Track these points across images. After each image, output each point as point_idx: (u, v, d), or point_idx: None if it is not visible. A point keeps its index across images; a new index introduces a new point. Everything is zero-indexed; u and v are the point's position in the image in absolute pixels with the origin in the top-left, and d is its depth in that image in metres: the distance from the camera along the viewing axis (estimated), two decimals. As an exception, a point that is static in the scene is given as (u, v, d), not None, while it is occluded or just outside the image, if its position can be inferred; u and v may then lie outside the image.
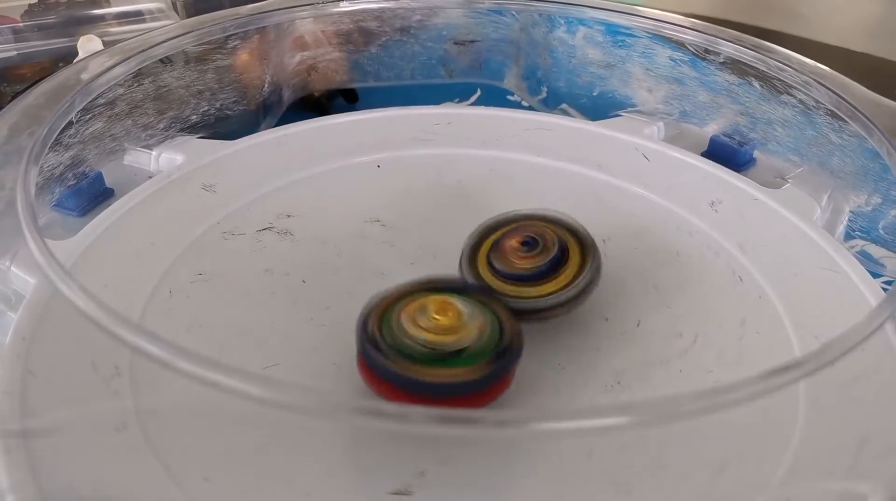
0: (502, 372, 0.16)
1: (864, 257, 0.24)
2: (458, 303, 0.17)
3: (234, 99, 0.28)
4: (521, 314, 0.18)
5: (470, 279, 0.19)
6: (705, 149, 0.28)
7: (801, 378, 0.14)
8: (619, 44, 0.30)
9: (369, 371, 0.16)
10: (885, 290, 0.21)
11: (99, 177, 0.24)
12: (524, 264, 0.19)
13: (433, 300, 0.17)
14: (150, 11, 0.31)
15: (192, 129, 0.26)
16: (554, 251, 0.19)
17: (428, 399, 0.16)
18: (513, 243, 0.19)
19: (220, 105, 0.28)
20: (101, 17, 0.31)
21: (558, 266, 0.19)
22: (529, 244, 0.19)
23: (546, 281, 0.19)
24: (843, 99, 0.23)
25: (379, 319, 0.17)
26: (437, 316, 0.16)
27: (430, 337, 0.16)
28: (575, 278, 0.19)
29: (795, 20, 0.44)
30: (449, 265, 0.20)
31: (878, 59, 0.40)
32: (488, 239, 0.20)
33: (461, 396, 0.16)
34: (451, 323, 0.16)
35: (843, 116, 0.23)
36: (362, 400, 0.12)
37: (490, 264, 0.19)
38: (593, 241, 0.20)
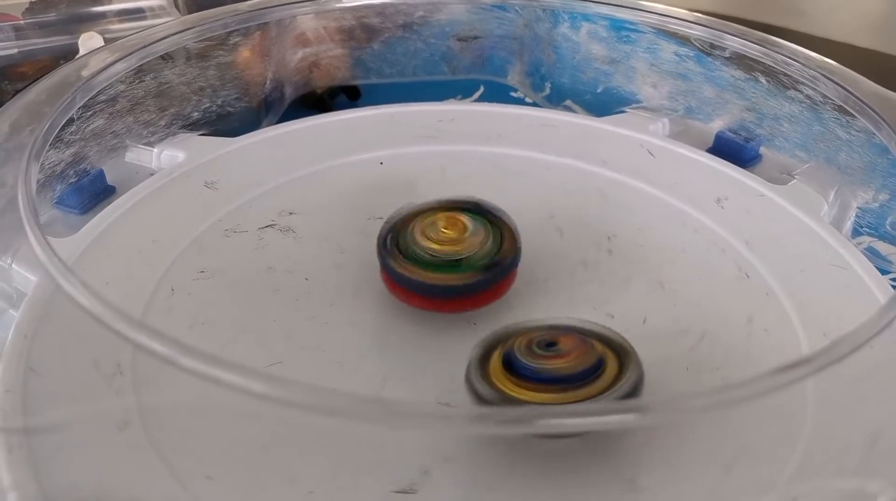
0: (490, 282, 0.19)
1: (871, 254, 0.23)
2: (465, 219, 0.20)
3: (235, 96, 0.28)
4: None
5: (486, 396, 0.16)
6: (711, 145, 0.27)
7: (810, 375, 0.13)
8: (624, 39, 0.29)
9: (386, 274, 0.19)
10: (894, 287, 0.21)
11: (100, 174, 0.24)
12: (551, 365, 0.16)
13: (444, 216, 0.20)
14: (151, 8, 0.31)
15: (193, 126, 0.26)
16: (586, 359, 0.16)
17: (428, 298, 0.19)
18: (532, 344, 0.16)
19: (222, 102, 0.27)
20: (102, 15, 0.31)
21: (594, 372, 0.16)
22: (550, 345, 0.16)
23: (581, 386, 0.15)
24: (851, 93, 0.23)
25: (398, 230, 0.20)
26: (444, 230, 0.19)
27: (436, 247, 0.19)
28: (612, 383, 0.16)
29: (799, 17, 0.43)
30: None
31: (882, 55, 0.40)
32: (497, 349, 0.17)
33: (453, 298, 0.19)
34: (456, 236, 0.19)
35: (852, 111, 0.23)
36: (365, 398, 0.12)
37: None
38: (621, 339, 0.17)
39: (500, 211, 0.20)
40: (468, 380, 0.16)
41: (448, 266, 0.19)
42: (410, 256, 0.19)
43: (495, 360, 0.16)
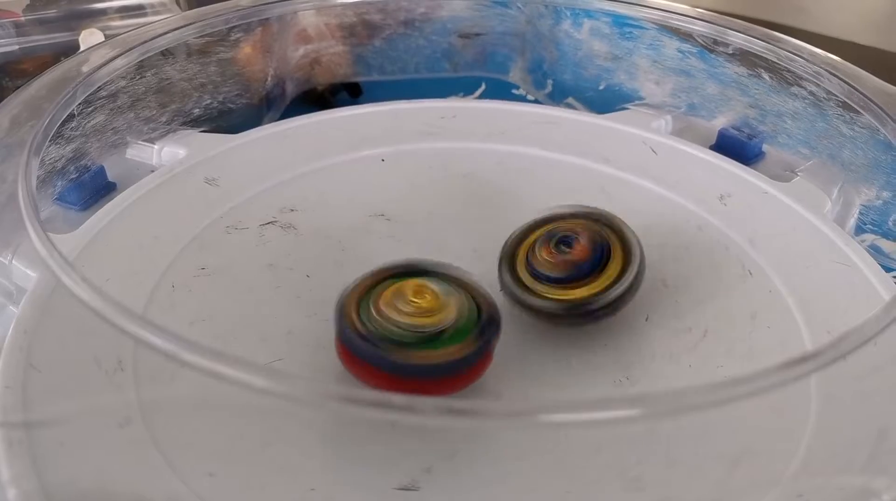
0: (486, 347, 0.17)
1: (875, 252, 0.23)
2: (432, 285, 0.17)
3: (236, 92, 0.28)
4: (565, 317, 0.18)
5: (509, 285, 0.19)
6: (714, 142, 0.27)
7: (814, 371, 0.13)
8: (626, 36, 0.29)
9: (354, 359, 0.16)
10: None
11: (101, 171, 0.24)
12: (561, 266, 0.18)
13: (408, 285, 0.17)
14: (152, 4, 0.31)
15: (194, 122, 0.26)
16: (592, 254, 0.18)
17: (417, 382, 0.16)
18: (550, 244, 0.19)
19: (223, 98, 0.27)
20: (103, 11, 0.31)
21: (597, 268, 0.18)
22: (567, 243, 0.18)
23: (583, 283, 0.18)
24: (855, 89, 0.22)
25: (356, 307, 0.17)
26: (414, 299, 0.16)
27: (413, 320, 0.16)
28: (615, 281, 0.18)
29: (801, 14, 0.43)
30: (454, 259, 0.20)
31: (885, 53, 0.40)
32: (526, 241, 0.19)
33: (450, 375, 0.16)
34: (430, 305, 0.16)
35: (856, 107, 0.23)
36: (367, 392, 0.12)
37: (529, 264, 0.19)
38: (637, 240, 0.19)
39: (451, 267, 0.18)
40: (499, 273, 0.19)
41: (433, 340, 0.16)
42: (385, 334, 0.16)
43: (521, 256, 0.19)
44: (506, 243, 0.20)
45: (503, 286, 0.19)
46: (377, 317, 0.16)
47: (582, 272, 0.18)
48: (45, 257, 0.14)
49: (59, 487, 0.14)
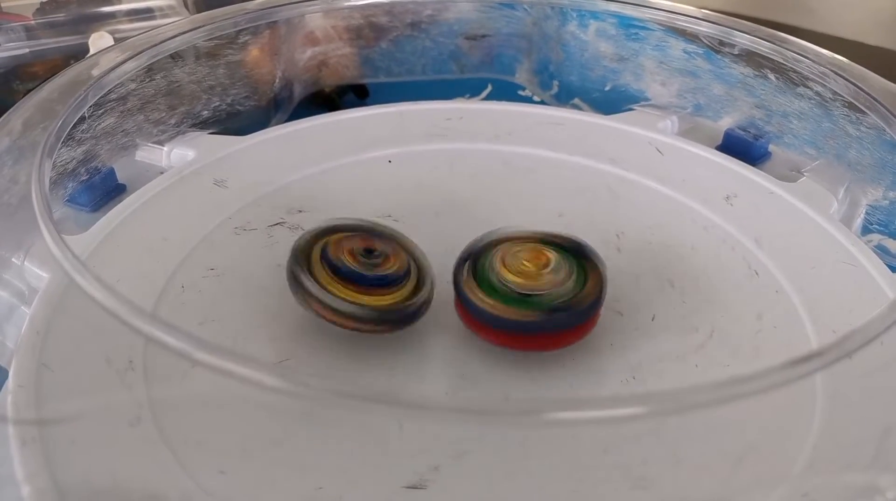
0: (552, 326, 0.18)
1: (881, 252, 0.23)
2: (549, 255, 0.18)
3: (245, 95, 0.28)
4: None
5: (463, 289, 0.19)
6: (720, 143, 0.27)
7: (820, 369, 0.13)
8: (632, 37, 0.29)
9: (458, 298, 0.18)
10: (903, 284, 0.21)
11: (111, 172, 0.24)
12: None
13: (529, 248, 0.18)
14: (161, 8, 0.31)
15: (203, 124, 0.26)
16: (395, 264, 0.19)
17: (489, 328, 0.18)
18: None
19: (231, 101, 0.28)
20: (112, 15, 0.31)
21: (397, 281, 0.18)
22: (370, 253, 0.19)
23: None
24: (861, 90, 0.23)
25: (479, 256, 0.19)
26: (526, 263, 0.18)
27: (510, 278, 0.18)
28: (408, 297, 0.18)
29: (808, 14, 0.43)
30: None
31: (892, 53, 0.40)
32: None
33: (514, 333, 0.18)
34: (534, 271, 0.18)
35: (862, 107, 0.23)
36: (375, 389, 0.12)
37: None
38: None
39: (597, 256, 0.19)
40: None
41: (517, 300, 0.18)
42: (483, 283, 0.18)
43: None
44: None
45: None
46: (488, 267, 0.18)
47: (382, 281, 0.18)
48: (59, 257, 0.14)
49: (72, 484, 0.14)
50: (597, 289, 0.18)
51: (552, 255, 0.18)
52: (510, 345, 0.18)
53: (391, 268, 0.18)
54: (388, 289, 0.18)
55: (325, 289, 0.18)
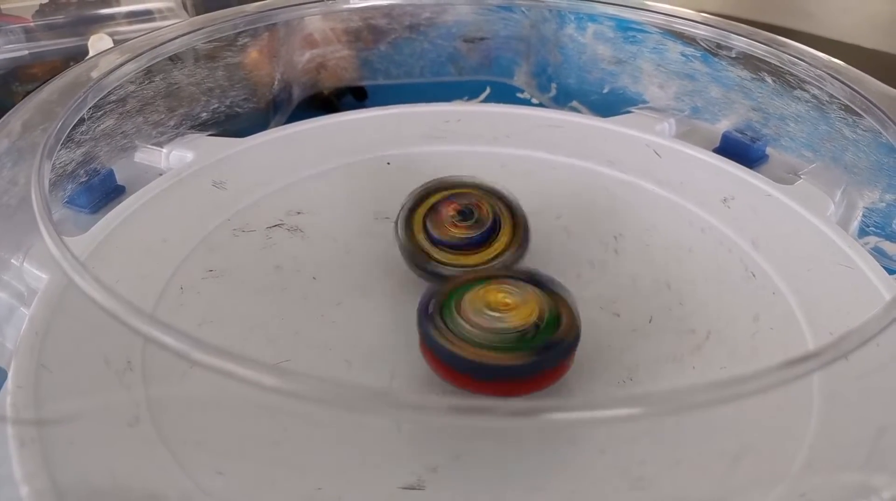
0: (539, 366, 0.17)
1: (878, 254, 0.23)
2: (515, 292, 0.17)
3: (244, 97, 0.28)
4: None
5: (404, 242, 0.20)
6: (717, 145, 0.27)
7: (816, 370, 0.13)
8: (630, 40, 0.30)
9: (428, 350, 0.17)
10: (900, 286, 0.21)
11: (110, 174, 0.24)
12: (458, 232, 0.20)
13: (494, 289, 0.17)
14: (160, 10, 0.31)
15: (202, 126, 0.27)
16: (488, 223, 0.20)
17: (472, 379, 0.17)
18: (449, 211, 0.20)
19: (231, 103, 0.28)
20: (112, 17, 0.31)
21: (490, 238, 0.20)
22: (465, 214, 0.20)
23: (477, 251, 0.20)
24: (858, 93, 0.23)
25: (441, 302, 0.18)
26: (501, 302, 0.17)
27: (487, 323, 0.17)
28: (504, 250, 0.20)
29: (805, 18, 0.43)
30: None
31: (889, 56, 0.40)
32: (424, 203, 0.21)
33: (500, 379, 0.17)
34: (509, 312, 0.17)
35: (858, 110, 0.23)
36: (374, 390, 0.12)
37: (426, 229, 0.20)
38: (524, 215, 0.21)
39: (556, 283, 0.18)
40: (395, 229, 0.20)
41: (497, 346, 0.16)
42: (457, 332, 0.17)
43: (419, 216, 0.20)
44: (402, 207, 0.21)
45: (403, 251, 0.20)
46: (457, 314, 0.17)
47: (476, 241, 0.20)
48: (59, 258, 0.14)
49: (71, 484, 0.14)
50: (572, 322, 0.17)
51: (515, 291, 0.17)
52: (507, 394, 0.17)
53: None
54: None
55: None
